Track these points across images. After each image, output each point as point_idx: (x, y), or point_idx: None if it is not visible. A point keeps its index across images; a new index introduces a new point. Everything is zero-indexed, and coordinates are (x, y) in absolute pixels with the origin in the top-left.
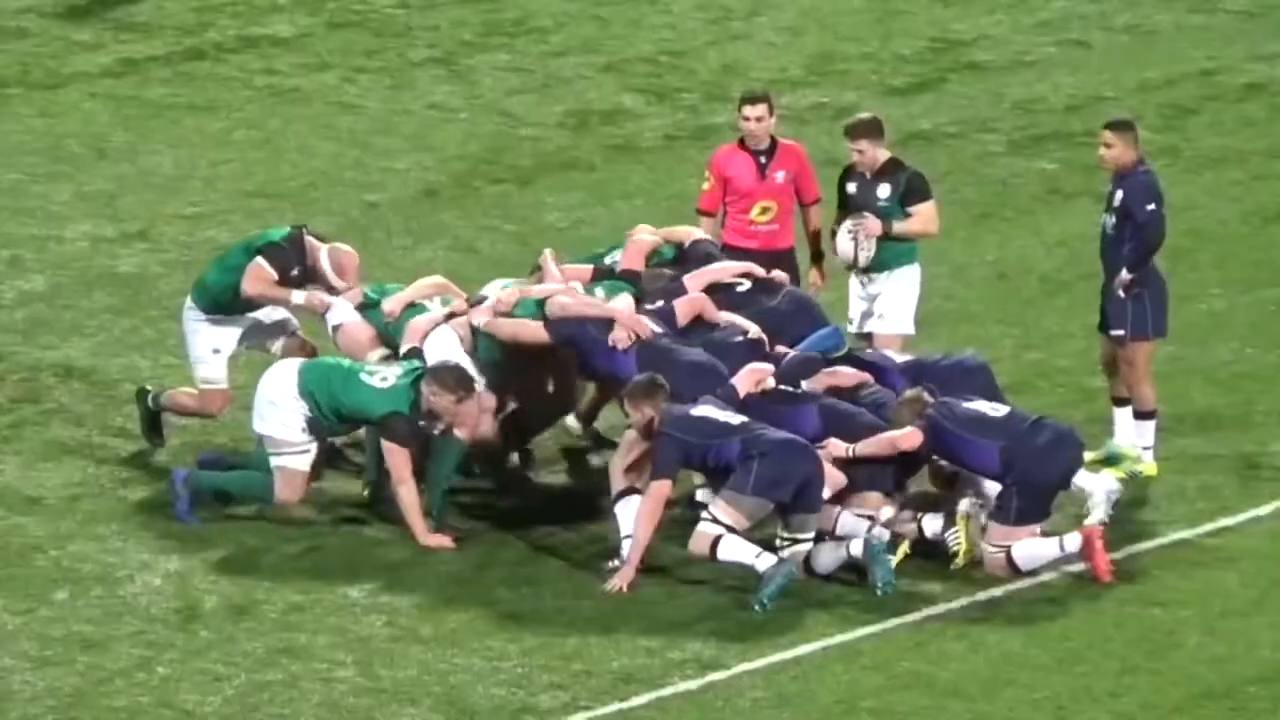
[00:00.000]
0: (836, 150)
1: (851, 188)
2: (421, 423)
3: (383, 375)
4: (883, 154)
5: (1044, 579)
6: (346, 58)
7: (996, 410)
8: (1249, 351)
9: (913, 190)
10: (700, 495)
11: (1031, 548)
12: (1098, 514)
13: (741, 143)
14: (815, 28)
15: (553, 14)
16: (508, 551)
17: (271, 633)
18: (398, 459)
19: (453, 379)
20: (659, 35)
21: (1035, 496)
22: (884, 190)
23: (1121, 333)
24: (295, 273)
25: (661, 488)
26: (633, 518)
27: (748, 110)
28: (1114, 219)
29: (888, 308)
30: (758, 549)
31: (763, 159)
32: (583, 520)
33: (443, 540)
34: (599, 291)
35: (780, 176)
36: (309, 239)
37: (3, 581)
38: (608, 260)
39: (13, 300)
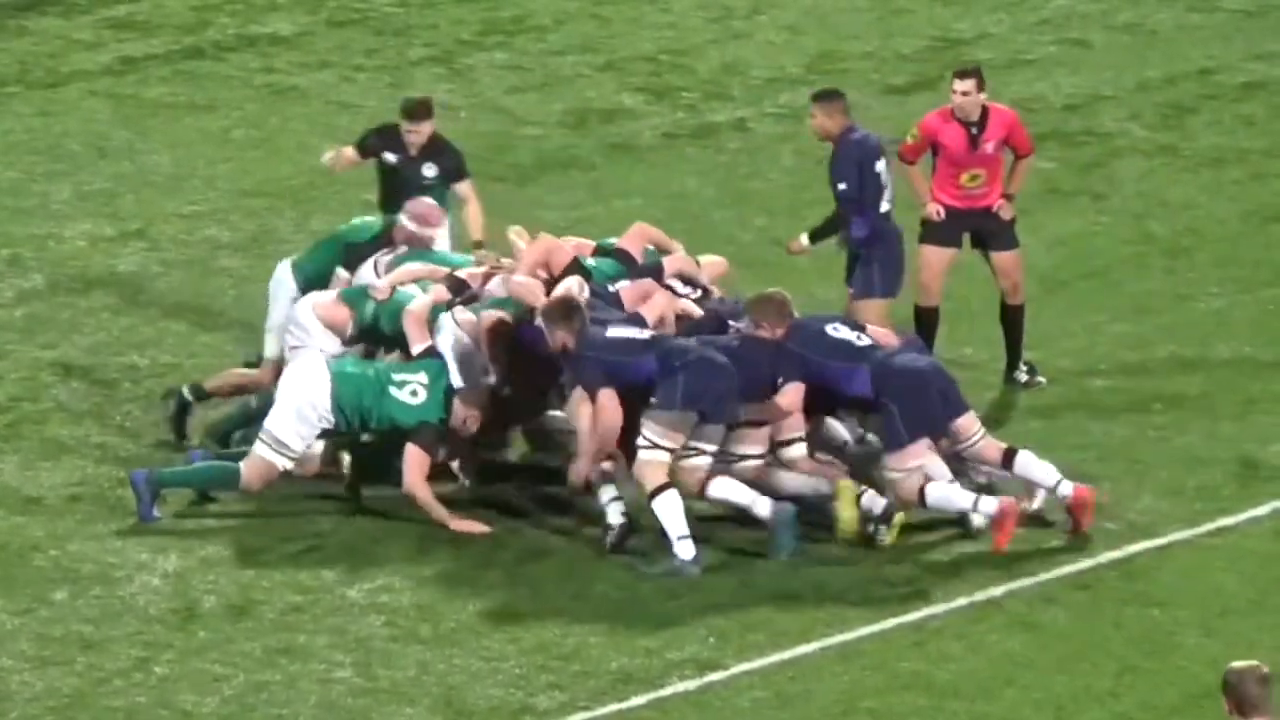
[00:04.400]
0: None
1: None
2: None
3: (412, 388)
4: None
5: (1042, 578)
6: (345, 56)
7: (861, 339)
8: (1248, 350)
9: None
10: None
11: (946, 491)
12: (1038, 501)
13: (953, 112)
14: (816, 26)
15: (552, 13)
16: (506, 552)
17: (270, 633)
18: (418, 462)
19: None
20: (659, 34)
21: (914, 409)
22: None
23: (851, 290)
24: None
25: (608, 395)
26: (664, 512)
27: (957, 85)
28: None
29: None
30: (754, 493)
31: (974, 130)
32: (581, 521)
33: (473, 525)
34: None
35: (990, 147)
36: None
37: (1, 581)
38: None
39: (12, 299)
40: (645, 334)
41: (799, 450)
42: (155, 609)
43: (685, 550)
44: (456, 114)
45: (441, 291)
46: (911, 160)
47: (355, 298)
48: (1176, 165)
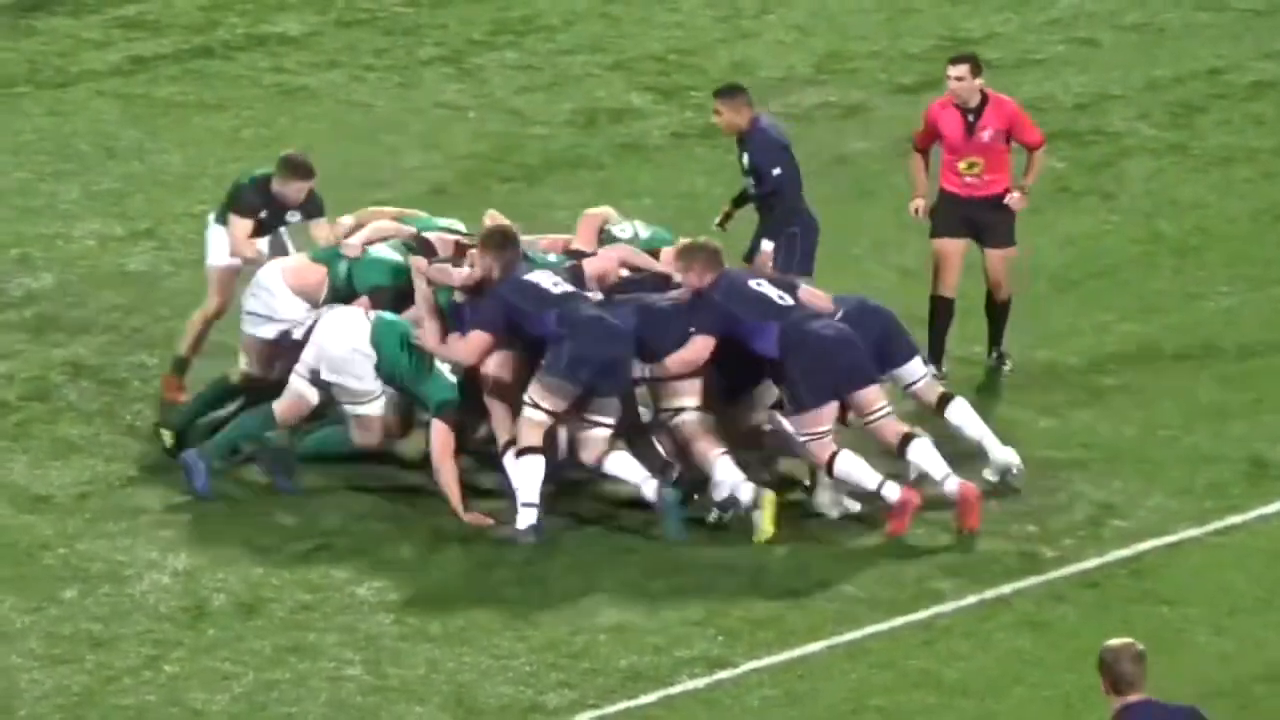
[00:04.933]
0: (843, 147)
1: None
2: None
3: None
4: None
5: (1049, 576)
6: (355, 56)
7: (784, 299)
8: (1258, 349)
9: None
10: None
11: (854, 465)
12: (951, 484)
13: (953, 100)
14: (824, 26)
15: (561, 12)
16: (516, 550)
17: (280, 631)
18: (444, 439)
19: None
20: (668, 34)
21: (812, 374)
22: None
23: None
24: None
25: (481, 339)
26: (520, 474)
27: (950, 70)
28: (752, 180)
29: None
30: (645, 472)
31: (971, 117)
32: (591, 518)
33: (481, 518)
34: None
35: (987, 135)
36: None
37: (11, 580)
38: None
39: (21, 298)
40: (557, 289)
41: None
42: (165, 607)
43: (525, 518)
44: (465, 114)
45: (419, 262)
46: (920, 148)
47: (328, 259)
48: (1186, 164)
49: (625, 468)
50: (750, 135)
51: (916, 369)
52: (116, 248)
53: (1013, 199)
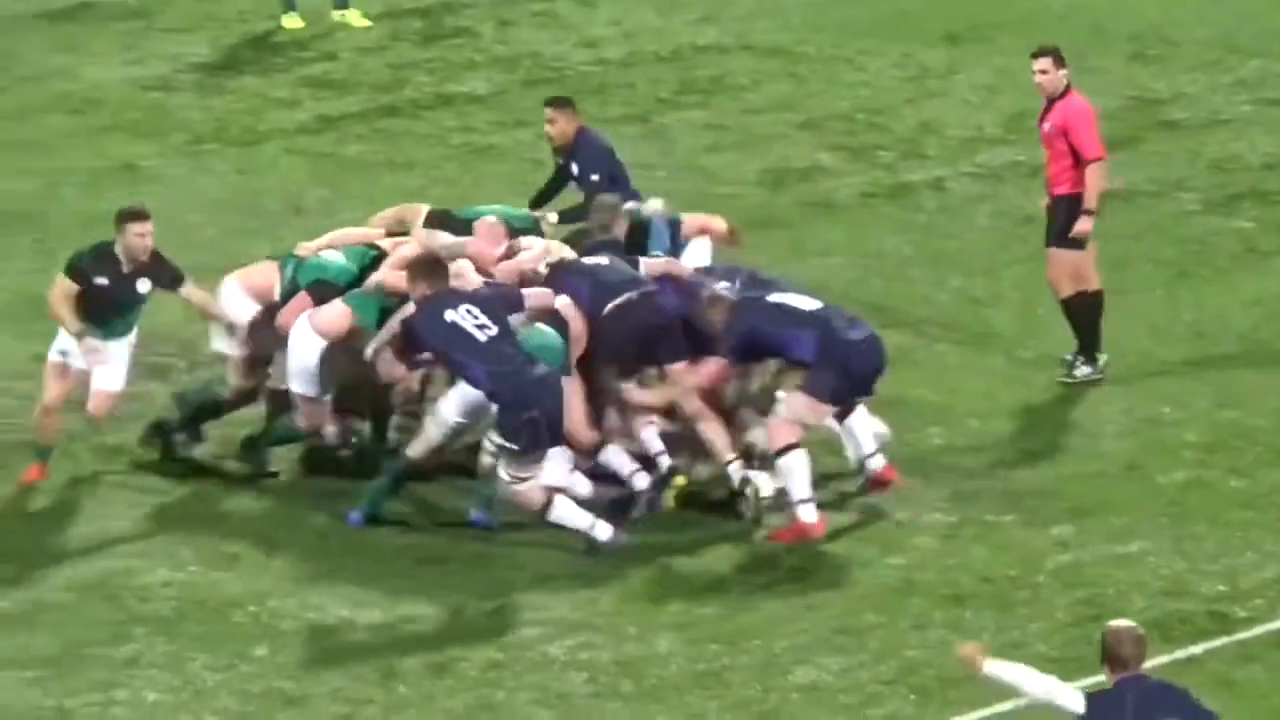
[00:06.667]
0: (1031, 207)
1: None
2: None
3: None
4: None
5: (1240, 636)
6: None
7: (807, 303)
8: None
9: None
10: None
11: (799, 468)
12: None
13: None
14: (1010, 85)
15: (749, 72)
16: (709, 606)
17: (471, 689)
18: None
19: None
20: (855, 93)
21: (846, 380)
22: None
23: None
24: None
25: (388, 360)
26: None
27: (1034, 64)
28: (580, 185)
29: None
30: (592, 518)
31: (1046, 109)
32: (780, 579)
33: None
34: None
35: (1047, 128)
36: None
37: (202, 637)
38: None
39: (213, 357)
40: (480, 335)
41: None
42: (356, 665)
43: (604, 530)
44: (653, 173)
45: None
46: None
47: (282, 260)
48: None
49: (571, 515)
50: (575, 143)
51: None
52: None
53: (1080, 227)
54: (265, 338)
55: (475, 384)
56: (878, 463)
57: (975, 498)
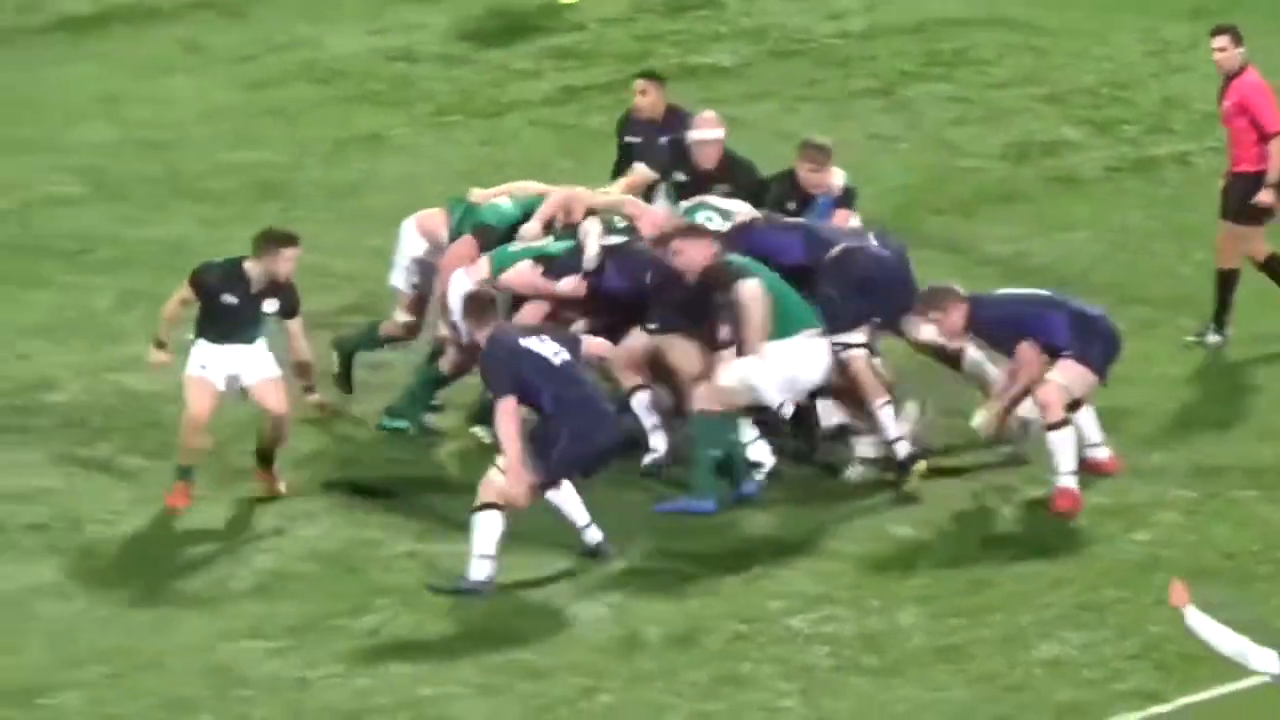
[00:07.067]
0: None
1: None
2: None
3: None
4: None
5: None
6: (787, 87)
7: (1036, 291)
8: None
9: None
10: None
11: (1069, 439)
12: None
13: None
14: (1255, 61)
15: (994, 45)
16: (952, 580)
17: (714, 662)
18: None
19: None
20: (1100, 67)
21: (1103, 355)
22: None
23: None
24: None
25: (509, 403)
26: None
27: (1212, 42)
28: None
29: None
30: (587, 515)
31: (1223, 88)
32: (1021, 554)
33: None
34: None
35: (1227, 106)
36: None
37: (449, 610)
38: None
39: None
40: (554, 359)
41: None
42: (599, 638)
43: (479, 570)
44: (896, 146)
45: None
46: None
47: (453, 203)
48: None
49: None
50: (671, 121)
51: None
52: None
53: (1265, 193)
54: (429, 278)
55: (540, 409)
56: (1103, 453)
57: (1217, 474)
